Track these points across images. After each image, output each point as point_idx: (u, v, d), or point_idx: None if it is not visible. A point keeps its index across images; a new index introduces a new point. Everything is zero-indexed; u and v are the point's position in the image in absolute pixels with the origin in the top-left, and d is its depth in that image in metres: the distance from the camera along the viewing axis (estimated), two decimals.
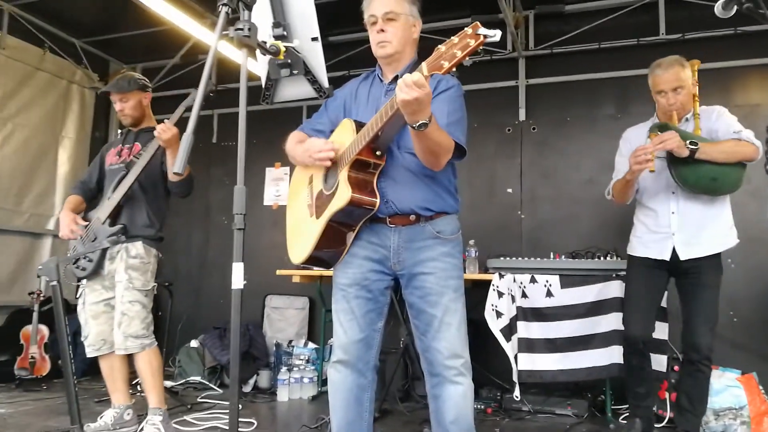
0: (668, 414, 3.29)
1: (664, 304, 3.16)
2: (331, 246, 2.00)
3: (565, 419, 3.50)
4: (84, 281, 3.05)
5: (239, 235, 1.34)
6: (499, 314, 3.45)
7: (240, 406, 3.67)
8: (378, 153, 1.86)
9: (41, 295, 4.42)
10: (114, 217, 2.99)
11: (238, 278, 1.32)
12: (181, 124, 2.85)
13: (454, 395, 1.93)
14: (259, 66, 1.51)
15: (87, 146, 5.48)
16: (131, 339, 2.89)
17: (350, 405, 2.02)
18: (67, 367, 1.87)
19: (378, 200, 1.88)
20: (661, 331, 3.19)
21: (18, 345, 4.33)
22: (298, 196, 2.17)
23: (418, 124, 1.61)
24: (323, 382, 4.25)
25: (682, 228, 2.71)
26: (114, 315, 2.97)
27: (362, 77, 2.13)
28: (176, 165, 1.23)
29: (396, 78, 1.98)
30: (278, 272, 4.22)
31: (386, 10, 1.93)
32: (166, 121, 2.83)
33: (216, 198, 5.31)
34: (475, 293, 3.70)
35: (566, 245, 3.97)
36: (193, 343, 4.55)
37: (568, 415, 3.55)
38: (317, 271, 4.07)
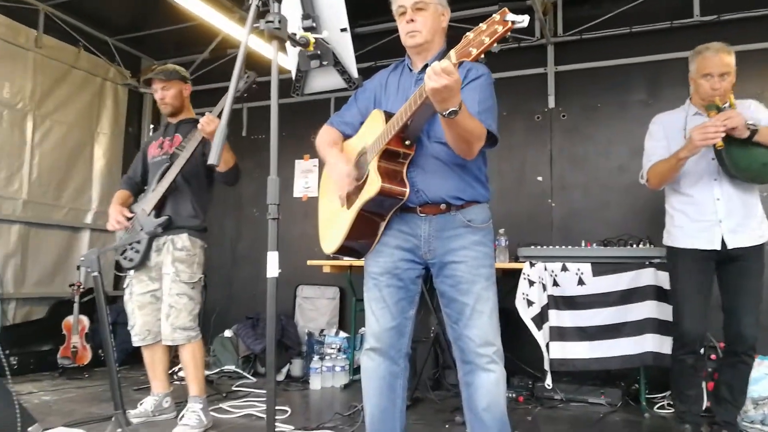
0: (705, 403, 3.24)
1: None
2: (362, 236, 2.02)
3: (599, 408, 3.47)
4: (131, 272, 3.10)
5: (273, 224, 1.36)
6: (530, 303, 3.44)
7: None
8: (407, 143, 1.86)
9: (81, 286, 4.56)
10: (159, 208, 3.03)
11: (272, 267, 1.34)
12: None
13: (487, 383, 1.93)
14: (289, 58, 1.53)
15: (121, 141, 5.61)
16: (179, 331, 2.94)
17: (383, 392, 2.05)
18: (109, 355, 1.94)
19: (407, 190, 1.88)
20: None
21: (60, 335, 4.48)
22: (329, 187, 2.20)
23: (448, 112, 1.61)
24: (355, 370, 4.30)
25: (729, 215, 2.60)
26: (159, 306, 3.03)
27: (391, 68, 2.13)
28: (211, 156, 1.27)
29: (426, 67, 1.98)
30: (309, 263, 4.28)
31: None
32: (208, 113, 2.86)
33: (247, 190, 5.38)
34: (506, 282, 3.70)
35: (597, 233, 3.93)
36: (227, 333, 4.65)
37: (601, 403, 3.52)
38: (347, 261, 4.11)
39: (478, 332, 1.92)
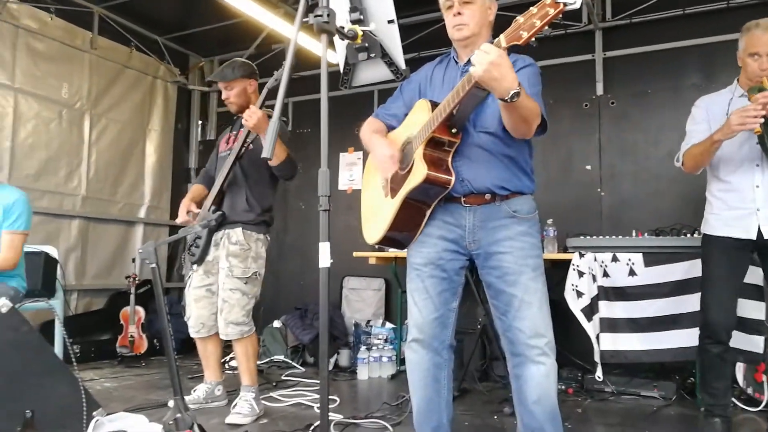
0: (766, 397, 3.13)
1: (760, 282, 2.98)
2: (405, 225, 2.02)
3: (652, 401, 3.39)
4: (194, 266, 3.17)
5: (324, 216, 1.39)
6: (579, 294, 3.38)
7: None
8: (453, 131, 1.86)
9: (136, 278, 4.74)
10: (218, 203, 3.09)
11: (324, 257, 1.37)
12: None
13: (537, 375, 1.90)
14: (337, 51, 1.55)
15: (171, 138, 5.79)
16: (232, 326, 2.99)
17: (428, 383, 2.05)
18: (168, 343, 2.01)
19: (453, 178, 1.87)
20: (758, 310, 3.02)
21: (118, 325, 4.67)
22: (372, 178, 2.21)
23: (511, 95, 1.58)
24: (401, 361, 4.33)
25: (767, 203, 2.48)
26: (214, 300, 3.10)
27: (437, 60, 2.13)
28: (264, 150, 1.30)
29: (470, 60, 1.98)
30: (355, 254, 4.32)
31: None
32: (251, 106, 2.90)
33: (293, 184, 5.44)
34: (554, 273, 3.64)
35: (649, 223, 3.82)
36: (276, 324, 4.75)
37: (654, 397, 3.44)
38: (393, 252, 4.13)
39: (528, 324, 1.89)
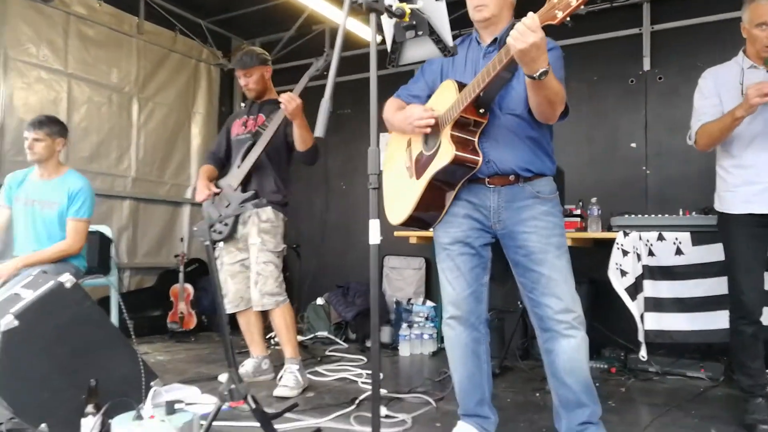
0: None
1: None
2: (431, 206, 2.06)
3: (698, 382, 3.35)
4: (220, 244, 3.30)
5: (374, 194, 1.42)
6: (623, 273, 3.35)
7: (365, 359, 3.90)
8: (481, 111, 1.89)
9: (185, 257, 4.90)
10: (244, 184, 3.20)
11: (374, 234, 1.41)
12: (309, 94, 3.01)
13: (567, 348, 1.96)
14: (384, 30, 1.57)
15: (215, 120, 5.90)
16: (267, 296, 3.12)
17: (468, 358, 2.11)
18: (222, 317, 2.10)
19: (480, 159, 1.91)
20: None
21: (168, 302, 4.85)
22: (395, 160, 2.24)
23: (539, 73, 1.62)
24: (442, 338, 4.37)
25: None
26: (249, 275, 3.21)
27: (458, 41, 2.14)
28: (317, 129, 1.33)
29: (495, 41, 2.01)
30: (396, 234, 4.36)
31: None
32: (288, 92, 2.96)
33: (334, 164, 5.53)
34: (598, 253, 3.62)
35: (697, 201, 3.72)
36: (319, 301, 4.85)
37: (701, 378, 3.40)
38: (433, 232, 4.15)
39: (555, 300, 1.95)
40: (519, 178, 1.98)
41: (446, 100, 1.93)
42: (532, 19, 1.54)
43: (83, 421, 2.14)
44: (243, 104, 6.08)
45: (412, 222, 2.12)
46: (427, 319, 4.39)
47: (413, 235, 4.25)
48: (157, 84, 5.30)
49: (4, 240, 3.33)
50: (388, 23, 1.56)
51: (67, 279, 2.32)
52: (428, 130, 1.96)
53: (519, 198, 1.99)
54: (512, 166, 1.96)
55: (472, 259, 2.06)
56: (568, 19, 1.49)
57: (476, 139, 1.91)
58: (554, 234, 1.99)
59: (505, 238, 2.03)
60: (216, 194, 3.27)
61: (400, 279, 5.01)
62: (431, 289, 4.91)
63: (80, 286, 2.37)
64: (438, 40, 1.53)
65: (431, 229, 2.18)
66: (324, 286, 5.09)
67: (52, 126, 3.23)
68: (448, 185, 2.00)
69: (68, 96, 4.59)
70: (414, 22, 1.53)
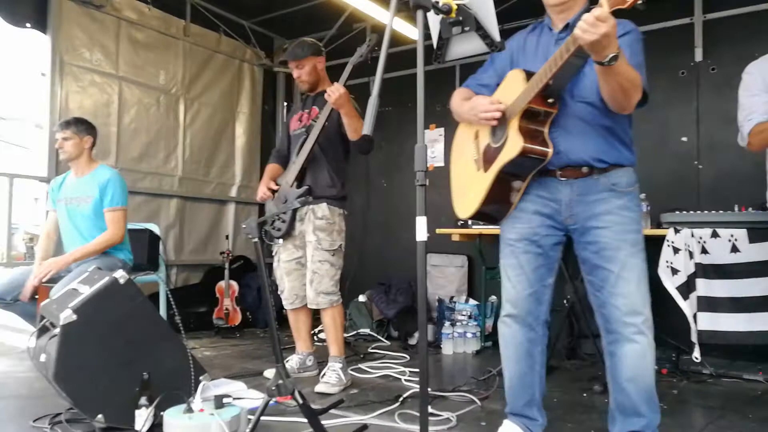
0: None
1: None
2: (499, 200, 2.00)
3: (755, 385, 3.22)
4: (279, 241, 3.32)
5: (421, 191, 1.42)
6: (674, 271, 3.24)
7: (408, 357, 3.90)
8: (550, 101, 1.82)
9: (230, 254, 5.00)
10: (300, 179, 3.19)
11: (421, 231, 1.40)
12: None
13: (631, 354, 1.87)
14: (430, 26, 1.56)
15: (258, 119, 5.99)
16: (322, 295, 3.13)
17: (521, 358, 2.06)
18: (270, 314, 2.13)
19: (551, 150, 1.84)
20: None
21: (214, 298, 4.96)
22: (463, 152, 2.19)
23: (608, 58, 1.55)
24: (486, 337, 4.34)
25: None
26: (304, 273, 3.23)
27: (529, 29, 2.09)
28: (365, 127, 1.34)
29: (567, 26, 1.93)
30: (438, 231, 4.34)
31: None
32: (335, 83, 2.96)
33: (375, 162, 5.54)
34: (646, 250, 3.50)
35: (754, 196, 3.57)
36: (361, 298, 4.87)
37: (758, 380, 3.26)
38: (477, 229, 4.12)
39: (624, 300, 1.86)
40: (593, 170, 1.89)
41: (514, 90, 1.87)
42: (601, 9, 1.49)
43: (137, 412, 2.22)
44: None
45: (480, 216, 2.07)
46: (470, 317, 4.36)
47: (456, 233, 4.22)
48: (202, 85, 5.41)
49: (55, 242, 3.47)
50: (434, 19, 1.55)
51: (121, 275, 2.39)
52: (495, 122, 1.91)
53: (593, 191, 1.90)
54: (584, 156, 1.88)
55: (537, 258, 1.99)
56: (640, 1, 1.44)
57: (546, 130, 1.85)
58: (630, 230, 1.89)
59: (576, 233, 1.95)
60: (274, 192, 3.28)
61: (442, 277, 4.99)
62: (474, 287, 4.87)
63: (133, 282, 2.45)
64: (485, 35, 1.51)
65: (498, 225, 2.13)
66: (365, 283, 5.10)
67: (79, 125, 3.35)
68: (516, 178, 1.94)
69: (119, 98, 4.73)
70: (460, 18, 1.51)
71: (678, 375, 3.42)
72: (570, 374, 3.50)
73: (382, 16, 4.74)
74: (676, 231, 3.28)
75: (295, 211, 3.20)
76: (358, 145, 3.06)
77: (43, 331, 2.45)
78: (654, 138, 4.19)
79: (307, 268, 3.19)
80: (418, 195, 1.41)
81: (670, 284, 3.22)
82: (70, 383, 2.23)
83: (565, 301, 3.78)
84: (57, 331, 2.24)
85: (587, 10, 1.82)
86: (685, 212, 3.41)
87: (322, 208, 3.15)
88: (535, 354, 2.07)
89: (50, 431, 2.28)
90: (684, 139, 4.11)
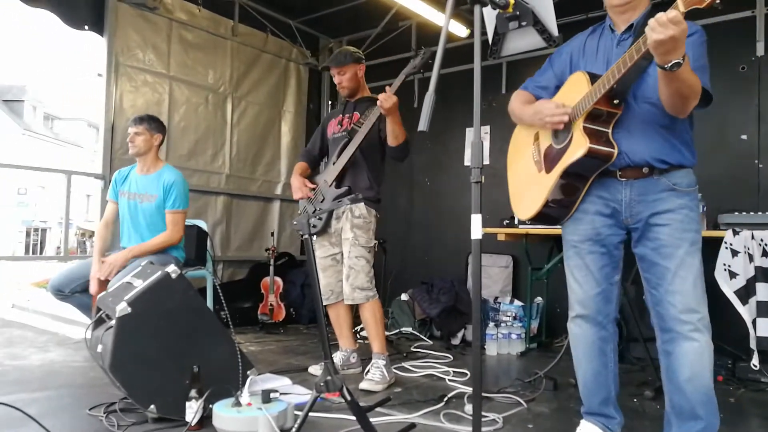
0: None
1: None
2: (561, 201, 2.01)
3: None
4: (314, 237, 3.38)
5: (476, 187, 1.39)
6: (733, 275, 3.12)
7: (451, 357, 3.87)
8: (615, 102, 1.82)
9: (275, 250, 5.06)
10: (339, 180, 3.26)
11: (476, 229, 1.38)
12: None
13: (689, 352, 1.84)
14: (486, 21, 1.53)
15: (303, 118, 6.06)
16: (358, 290, 3.17)
17: (594, 357, 2.06)
18: (319, 310, 2.15)
19: (615, 150, 1.85)
20: None
21: (259, 294, 5.03)
22: (522, 154, 2.19)
23: (671, 64, 1.54)
24: (531, 339, 4.27)
25: None
26: (339, 269, 3.28)
27: (589, 30, 2.08)
28: (421, 123, 1.32)
29: (630, 27, 1.92)
30: (483, 230, 4.28)
31: None
32: (387, 88, 2.98)
33: (419, 160, 5.51)
34: (703, 252, 3.37)
35: None
36: (404, 297, 4.86)
37: None
38: (523, 229, 4.06)
39: (680, 298, 1.84)
40: (653, 170, 1.88)
41: (577, 92, 1.88)
42: (675, 12, 1.47)
43: (187, 404, 2.26)
44: (330, 102, 6.29)
45: (541, 218, 2.07)
46: (515, 318, 4.30)
47: (502, 232, 4.17)
48: (249, 84, 5.50)
49: (112, 232, 3.58)
50: (489, 14, 1.52)
51: (173, 270, 2.45)
52: (561, 126, 1.91)
53: (653, 191, 1.89)
54: (645, 157, 1.87)
55: (602, 257, 2.00)
56: (717, 0, 1.41)
57: (610, 131, 1.85)
58: (689, 229, 1.88)
59: (638, 232, 1.95)
60: (312, 190, 3.35)
61: (486, 277, 4.93)
62: (518, 287, 4.80)
63: (184, 276, 2.50)
64: (543, 30, 1.48)
65: (559, 226, 2.13)
66: (408, 282, 5.10)
67: (151, 122, 3.46)
68: (579, 179, 1.94)
69: (170, 97, 4.86)
70: (518, 13, 1.48)
71: (735, 383, 3.28)
72: (619, 379, 3.40)
73: (427, 13, 4.72)
74: (735, 233, 3.16)
75: (332, 210, 3.25)
76: (393, 151, 3.18)
77: (99, 322, 2.53)
78: (711, 136, 4.03)
79: (343, 265, 3.24)
80: (473, 192, 1.39)
81: (728, 288, 3.10)
82: (125, 374, 2.29)
83: None
84: (113, 322, 2.31)
85: (651, 10, 1.80)
86: (744, 213, 3.29)
87: (360, 208, 3.22)
88: (608, 351, 2.08)
89: (105, 420, 2.34)
90: (744, 137, 3.95)
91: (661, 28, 1.47)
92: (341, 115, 3.44)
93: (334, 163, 3.29)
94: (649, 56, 1.61)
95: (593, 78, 1.83)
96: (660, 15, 1.47)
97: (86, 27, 4.39)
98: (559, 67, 2.11)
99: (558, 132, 1.97)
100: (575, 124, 1.85)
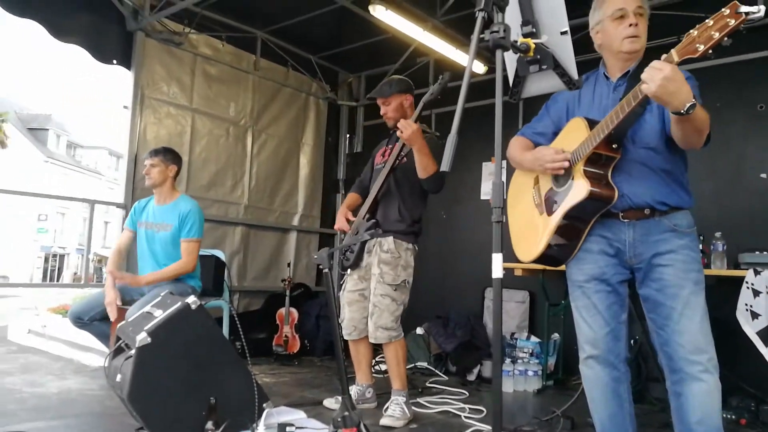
0: None
1: None
2: (563, 242, 2.02)
3: None
4: (348, 270, 3.36)
5: (497, 227, 1.41)
6: (754, 315, 3.07)
7: (467, 393, 3.82)
8: (614, 146, 1.86)
9: (291, 281, 5.08)
10: (372, 212, 3.24)
11: (497, 268, 1.40)
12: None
13: (699, 393, 1.83)
14: (507, 64, 1.58)
15: (322, 151, 6.15)
16: (381, 330, 3.12)
17: (609, 398, 2.04)
18: (337, 345, 2.16)
19: (616, 193, 1.88)
20: None
21: (274, 325, 5.02)
22: (522, 197, 2.21)
23: (687, 107, 1.56)
24: (548, 376, 4.21)
25: None
26: (366, 305, 3.24)
27: (582, 78, 2.11)
28: (444, 164, 1.35)
29: (626, 74, 1.97)
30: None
31: (638, 4, 1.92)
32: (403, 119, 3.00)
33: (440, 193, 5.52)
34: (722, 291, 3.34)
35: None
36: (419, 331, 4.82)
37: None
38: (540, 264, 4.03)
39: (688, 338, 1.84)
40: (655, 212, 1.92)
41: (576, 137, 1.92)
42: (658, 62, 1.54)
43: None
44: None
45: (544, 259, 2.08)
46: (531, 354, 4.24)
47: (519, 267, 4.14)
48: (269, 117, 5.62)
49: (125, 259, 3.64)
50: (510, 57, 1.57)
51: (192, 301, 2.48)
52: (562, 171, 1.95)
53: (655, 232, 1.92)
54: (647, 199, 1.91)
55: (608, 296, 2.00)
56: (710, 51, 1.45)
57: (609, 174, 1.89)
58: (692, 269, 1.90)
59: (641, 272, 1.96)
60: (351, 222, 3.33)
61: (503, 312, 4.88)
62: (535, 323, 4.75)
63: (204, 308, 2.52)
64: (563, 73, 1.52)
65: (564, 266, 2.13)
66: (423, 315, 5.05)
67: (166, 154, 3.55)
68: (581, 221, 1.97)
69: (192, 129, 4.97)
70: (538, 57, 1.52)
71: (758, 426, 3.21)
72: (639, 420, 3.31)
73: (445, 50, 4.81)
74: (757, 272, 3.12)
75: (364, 242, 3.22)
76: (425, 183, 3.11)
77: (118, 351, 2.55)
78: (730, 174, 4.03)
79: (369, 301, 3.21)
80: (494, 231, 1.41)
81: (750, 329, 3.05)
82: (143, 404, 2.30)
83: (632, 342, 3.63)
84: (132, 352, 2.33)
85: (645, 59, 1.86)
86: (765, 252, 3.26)
87: (389, 242, 3.18)
88: (622, 392, 2.05)
89: None
90: (763, 176, 3.93)
91: (655, 74, 1.52)
92: (386, 146, 3.44)
93: (369, 195, 3.29)
94: (645, 103, 1.68)
95: (591, 123, 1.87)
96: (647, 68, 1.54)
97: (114, 61, 4.54)
98: (555, 114, 2.15)
99: (558, 176, 2.00)
100: (575, 168, 1.89)
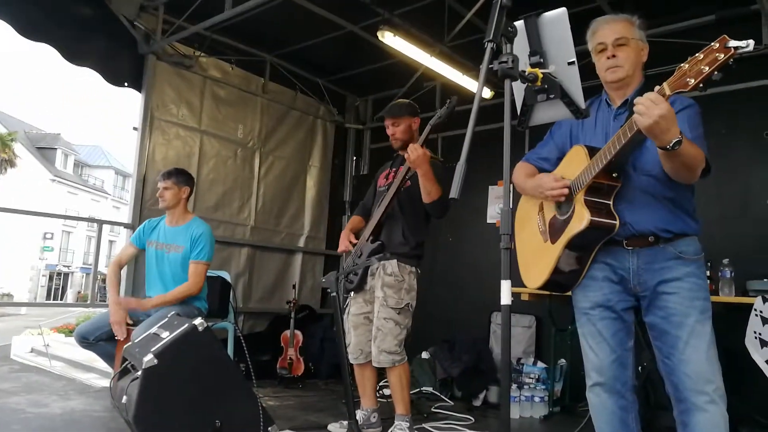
0: None
1: None
2: (568, 270, 2.01)
3: None
4: (351, 293, 3.35)
5: (506, 254, 1.42)
6: (764, 343, 3.05)
7: (472, 419, 3.79)
8: (614, 175, 1.87)
9: (296, 303, 5.07)
10: (376, 235, 3.24)
11: (506, 295, 1.40)
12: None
13: (705, 424, 1.81)
14: (515, 93, 1.60)
15: (329, 173, 6.19)
16: (384, 354, 3.10)
17: (616, 427, 2.01)
18: (344, 369, 2.14)
19: (617, 222, 1.87)
20: None
21: (278, 347, 5.00)
22: (528, 223, 2.22)
23: (672, 144, 1.59)
24: (554, 402, 4.17)
25: None
26: (370, 328, 3.22)
27: (587, 103, 2.12)
28: (452, 191, 1.36)
29: (625, 102, 1.99)
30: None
31: (616, 36, 1.95)
32: (411, 144, 3.02)
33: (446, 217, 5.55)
34: (730, 319, 3.32)
35: None
36: (425, 355, 4.80)
37: None
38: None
39: (694, 368, 1.82)
40: (659, 239, 1.91)
41: (577, 165, 1.93)
42: (656, 94, 1.54)
43: None
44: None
45: (550, 286, 2.08)
46: (538, 380, 4.21)
47: (526, 292, 4.13)
48: (277, 139, 5.67)
49: (122, 270, 3.65)
50: (518, 87, 1.59)
51: (200, 323, 2.47)
52: (562, 198, 1.96)
53: (659, 259, 1.91)
54: (650, 227, 1.90)
55: (614, 323, 1.99)
56: (701, 85, 1.47)
57: (611, 203, 1.89)
58: (698, 297, 1.88)
59: (646, 300, 1.95)
60: (354, 245, 3.33)
61: None
62: (542, 348, 4.72)
63: (210, 329, 2.52)
64: (570, 103, 1.54)
65: (570, 292, 2.13)
66: (428, 339, 5.03)
67: (179, 176, 3.57)
68: (584, 250, 1.97)
69: (200, 150, 5.02)
70: (546, 86, 1.54)
71: None
72: None
73: (452, 75, 4.86)
74: (765, 300, 3.10)
75: (368, 265, 3.22)
76: (428, 207, 3.13)
77: (124, 372, 2.55)
78: (737, 202, 4.03)
79: (373, 325, 3.19)
80: (503, 258, 1.41)
81: (759, 357, 3.02)
82: (148, 426, 2.29)
83: (640, 369, 3.59)
84: (139, 374, 2.32)
85: (644, 85, 1.87)
86: None
87: (392, 265, 3.17)
88: (629, 422, 2.02)
89: None
90: None
91: (647, 111, 1.53)
92: (389, 169, 3.45)
93: (372, 218, 3.29)
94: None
95: (592, 152, 1.88)
96: (639, 99, 1.55)
97: (126, 84, 4.60)
98: (560, 139, 2.17)
99: (562, 203, 2.00)
100: (576, 197, 1.90)
